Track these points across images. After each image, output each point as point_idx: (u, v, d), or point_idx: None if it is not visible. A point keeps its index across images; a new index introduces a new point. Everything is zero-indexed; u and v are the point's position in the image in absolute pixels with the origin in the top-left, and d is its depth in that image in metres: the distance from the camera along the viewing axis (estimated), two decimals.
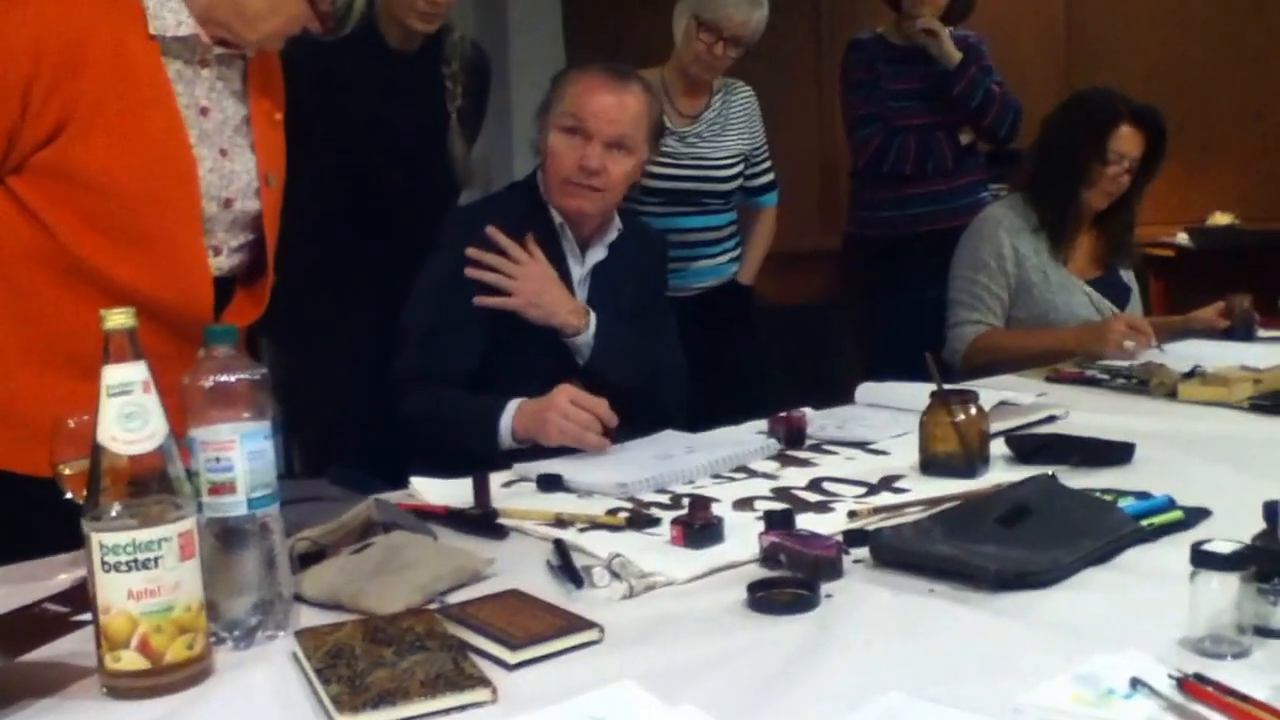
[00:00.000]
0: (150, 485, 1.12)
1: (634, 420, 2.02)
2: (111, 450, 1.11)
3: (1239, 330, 2.86)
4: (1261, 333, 2.88)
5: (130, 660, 1.10)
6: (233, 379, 1.22)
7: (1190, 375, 2.32)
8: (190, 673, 1.13)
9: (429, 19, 2.48)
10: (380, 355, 2.41)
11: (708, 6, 3.05)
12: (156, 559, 1.10)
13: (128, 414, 1.12)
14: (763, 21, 3.11)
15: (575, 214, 2.20)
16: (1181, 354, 2.60)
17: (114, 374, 1.12)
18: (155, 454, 1.12)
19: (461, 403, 2.07)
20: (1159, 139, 2.87)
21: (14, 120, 1.58)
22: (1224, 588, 1.09)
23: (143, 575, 1.10)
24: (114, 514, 1.10)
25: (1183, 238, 4.86)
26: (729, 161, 3.18)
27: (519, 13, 5.47)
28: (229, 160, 1.75)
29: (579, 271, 2.23)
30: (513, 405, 1.99)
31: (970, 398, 1.81)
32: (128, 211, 1.63)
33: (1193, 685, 0.99)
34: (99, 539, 1.10)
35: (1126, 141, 2.83)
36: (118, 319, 1.13)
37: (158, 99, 1.65)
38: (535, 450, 1.96)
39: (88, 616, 1.15)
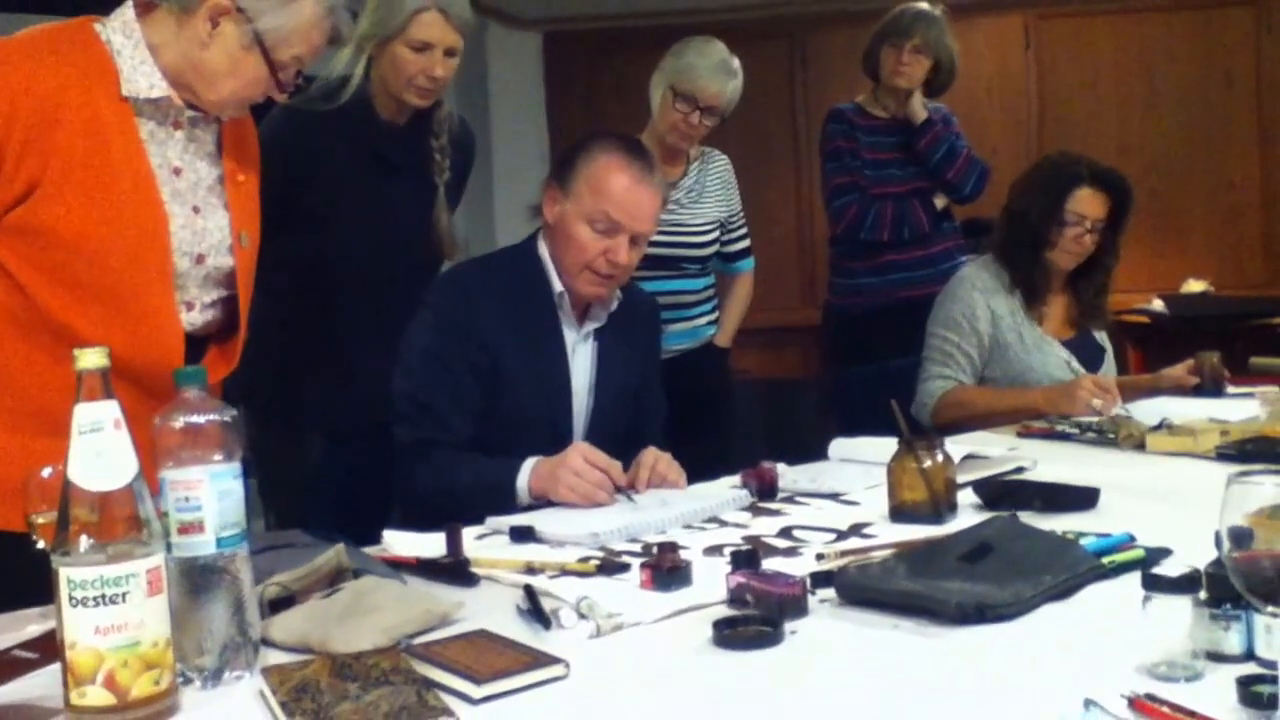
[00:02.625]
0: (119, 522, 1.13)
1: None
2: (81, 487, 1.12)
3: (1208, 387, 2.88)
4: (1231, 389, 2.91)
5: (96, 696, 1.11)
6: (203, 420, 1.24)
7: (1158, 428, 2.35)
8: (156, 709, 1.13)
9: (426, 95, 2.52)
10: (352, 425, 2.43)
11: (683, 77, 3.12)
12: (124, 594, 1.11)
13: (98, 451, 1.13)
14: (738, 91, 3.18)
15: (590, 299, 2.22)
16: (1151, 409, 2.63)
17: (85, 412, 1.14)
18: (125, 491, 1.14)
19: (477, 468, 2.08)
20: (1123, 200, 2.91)
21: None
22: (1176, 612, 1.11)
23: (109, 611, 1.10)
24: (82, 550, 1.11)
25: (1157, 305, 4.93)
26: (706, 228, 3.23)
27: (501, 86, 5.58)
28: (201, 217, 1.77)
29: (573, 337, 2.25)
30: (528, 465, 2.02)
31: (936, 444, 1.83)
32: (98, 267, 1.65)
33: (1143, 703, 1.00)
34: (67, 574, 1.11)
35: (1085, 204, 2.85)
36: (91, 358, 1.15)
37: (129, 157, 1.68)
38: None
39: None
